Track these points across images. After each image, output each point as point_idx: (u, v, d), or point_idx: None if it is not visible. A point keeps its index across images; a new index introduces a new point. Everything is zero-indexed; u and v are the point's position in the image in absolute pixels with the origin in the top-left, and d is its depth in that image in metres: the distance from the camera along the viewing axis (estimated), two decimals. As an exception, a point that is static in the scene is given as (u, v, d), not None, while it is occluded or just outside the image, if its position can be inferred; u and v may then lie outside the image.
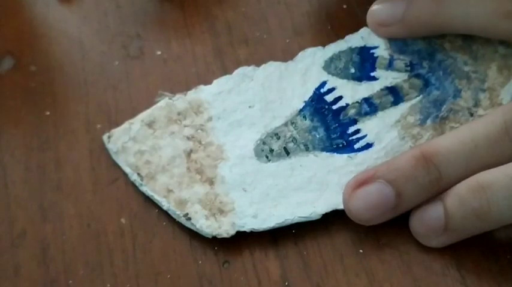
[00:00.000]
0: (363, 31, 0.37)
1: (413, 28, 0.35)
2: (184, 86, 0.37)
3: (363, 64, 0.36)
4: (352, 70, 0.36)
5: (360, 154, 0.33)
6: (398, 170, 0.31)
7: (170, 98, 0.36)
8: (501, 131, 0.30)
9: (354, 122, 0.34)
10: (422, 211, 0.31)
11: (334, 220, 0.33)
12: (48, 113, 0.37)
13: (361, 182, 0.31)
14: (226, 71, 0.38)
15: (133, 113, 0.36)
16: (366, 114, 0.35)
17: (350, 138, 0.34)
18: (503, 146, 0.30)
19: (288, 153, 0.34)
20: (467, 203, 0.29)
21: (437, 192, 0.31)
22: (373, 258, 0.32)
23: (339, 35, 0.38)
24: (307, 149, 0.34)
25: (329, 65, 0.36)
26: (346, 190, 0.31)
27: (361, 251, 0.32)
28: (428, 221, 0.31)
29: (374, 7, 0.36)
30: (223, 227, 0.32)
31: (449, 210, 0.30)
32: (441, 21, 0.34)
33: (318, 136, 0.34)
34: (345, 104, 0.35)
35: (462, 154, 0.30)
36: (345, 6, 0.40)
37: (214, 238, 0.32)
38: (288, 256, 0.32)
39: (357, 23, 0.38)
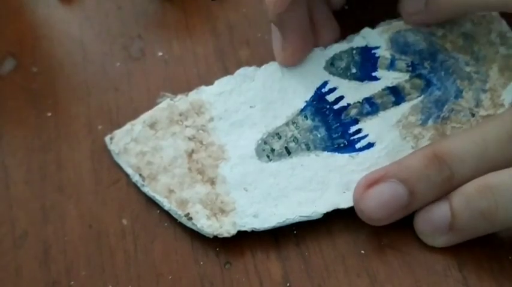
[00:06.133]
0: (365, 31, 0.37)
1: (437, 14, 0.35)
2: (186, 87, 0.37)
3: (365, 64, 0.36)
4: (354, 70, 0.36)
5: (361, 153, 0.33)
6: (411, 169, 0.31)
7: (172, 99, 0.36)
8: (511, 132, 0.30)
9: (355, 121, 0.34)
10: (427, 209, 0.31)
11: (335, 220, 0.33)
12: (49, 114, 0.38)
13: (372, 182, 0.31)
14: (227, 71, 0.38)
15: (134, 114, 0.36)
16: (367, 114, 0.35)
17: (351, 138, 0.34)
18: None
19: (289, 153, 0.34)
20: (474, 203, 0.29)
21: (448, 191, 0.31)
22: (375, 259, 0.32)
23: (340, 35, 0.37)
24: (308, 148, 0.34)
25: (330, 65, 0.36)
26: (357, 190, 0.31)
27: (362, 251, 0.32)
28: (433, 219, 0.31)
29: None
30: (225, 227, 0.32)
31: (456, 209, 0.30)
32: (461, 2, 0.34)
33: (319, 136, 0.34)
34: (346, 104, 0.35)
35: (474, 153, 0.30)
36: (346, 7, 0.40)
37: (215, 238, 0.32)
38: (290, 257, 0.32)
39: (358, 23, 0.38)
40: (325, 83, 0.36)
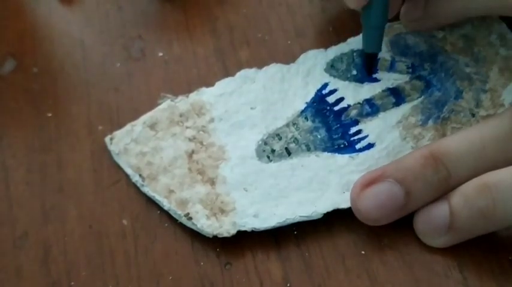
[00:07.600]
0: (365, 33, 0.37)
1: (437, 19, 0.35)
2: (186, 87, 0.37)
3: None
4: (354, 72, 0.36)
5: (361, 154, 0.33)
6: (407, 169, 0.31)
7: (172, 100, 0.36)
8: (509, 131, 0.30)
9: (356, 122, 0.34)
10: (427, 209, 0.31)
11: (336, 221, 0.33)
12: (50, 114, 0.38)
13: (369, 182, 0.31)
14: (227, 72, 0.38)
15: (135, 114, 0.36)
16: (368, 115, 0.35)
17: (351, 138, 0.34)
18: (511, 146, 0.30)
19: (289, 153, 0.34)
20: (473, 202, 0.29)
21: (445, 191, 0.31)
22: (375, 259, 0.32)
23: (341, 37, 0.38)
24: (308, 149, 0.34)
25: (331, 67, 0.36)
26: (354, 190, 0.31)
27: (363, 252, 0.32)
28: (433, 219, 0.31)
29: (403, 6, 0.36)
30: (224, 227, 0.32)
31: (455, 209, 0.30)
32: (459, 6, 0.34)
33: (319, 137, 0.34)
34: (346, 105, 0.35)
35: (471, 153, 0.30)
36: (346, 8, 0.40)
37: (216, 239, 0.32)
38: (290, 258, 0.32)
39: (358, 25, 0.38)
40: (325, 85, 0.36)
